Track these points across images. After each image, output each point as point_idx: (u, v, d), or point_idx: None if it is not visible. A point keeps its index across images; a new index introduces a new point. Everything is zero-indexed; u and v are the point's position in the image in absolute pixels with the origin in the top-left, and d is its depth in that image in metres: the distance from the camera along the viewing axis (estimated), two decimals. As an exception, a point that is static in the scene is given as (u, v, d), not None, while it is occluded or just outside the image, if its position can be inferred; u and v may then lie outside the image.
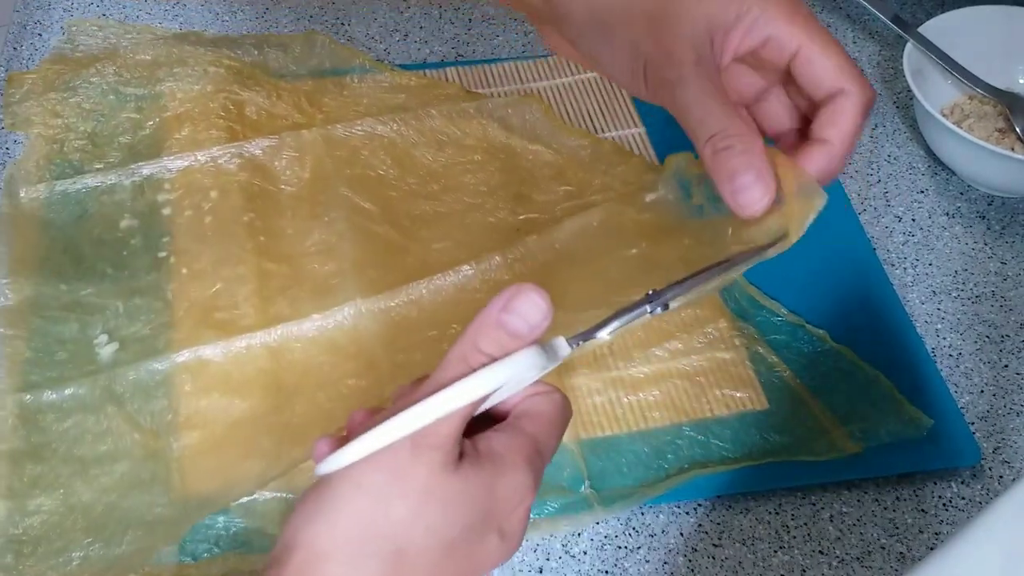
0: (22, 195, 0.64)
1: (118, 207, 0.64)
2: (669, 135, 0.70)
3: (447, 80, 0.73)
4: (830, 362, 0.60)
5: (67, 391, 0.55)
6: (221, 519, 0.52)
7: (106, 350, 0.57)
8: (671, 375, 0.59)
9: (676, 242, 0.56)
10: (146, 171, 0.65)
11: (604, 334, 0.40)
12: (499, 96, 0.72)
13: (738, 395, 0.58)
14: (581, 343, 0.40)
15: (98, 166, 0.66)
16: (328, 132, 0.67)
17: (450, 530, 0.37)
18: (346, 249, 0.61)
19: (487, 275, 0.60)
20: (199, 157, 0.66)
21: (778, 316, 0.61)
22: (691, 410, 0.57)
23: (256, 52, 0.73)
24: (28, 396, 0.55)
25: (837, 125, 0.44)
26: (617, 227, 0.61)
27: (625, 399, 0.58)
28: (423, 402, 0.36)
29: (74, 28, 0.74)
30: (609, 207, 0.62)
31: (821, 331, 0.61)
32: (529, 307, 0.38)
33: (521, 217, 0.64)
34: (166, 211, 0.64)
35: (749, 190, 0.42)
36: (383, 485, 0.36)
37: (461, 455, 0.38)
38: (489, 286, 0.60)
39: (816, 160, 0.44)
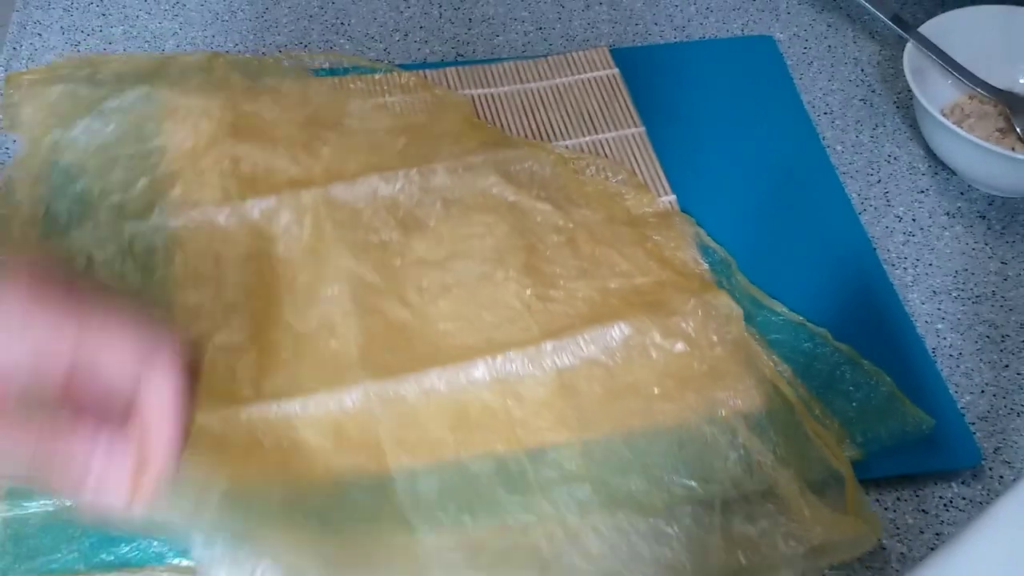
0: None
1: (111, 267, 0.60)
2: (670, 135, 0.71)
3: (447, 81, 0.73)
4: (831, 361, 0.60)
5: None
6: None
7: None
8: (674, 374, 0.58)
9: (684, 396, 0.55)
10: (138, 229, 0.62)
11: None
12: (513, 146, 0.68)
13: (740, 393, 0.58)
14: None
15: (90, 225, 0.62)
16: (328, 193, 0.63)
17: None
18: (351, 327, 0.58)
19: (503, 376, 0.57)
20: (194, 215, 0.62)
21: (779, 315, 0.61)
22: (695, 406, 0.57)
23: (248, 105, 0.68)
24: None
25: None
26: (641, 349, 0.57)
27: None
28: None
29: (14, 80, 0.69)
30: (634, 321, 0.58)
31: (822, 330, 0.61)
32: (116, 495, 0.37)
33: (529, 292, 0.60)
34: (158, 273, 0.60)
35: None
36: None
37: None
38: (503, 388, 0.56)
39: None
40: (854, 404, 0.58)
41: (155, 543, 0.51)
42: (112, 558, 0.51)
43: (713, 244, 0.64)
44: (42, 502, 0.52)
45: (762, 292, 0.62)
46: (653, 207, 0.66)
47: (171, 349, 0.39)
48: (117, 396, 0.39)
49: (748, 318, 0.61)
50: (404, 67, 0.74)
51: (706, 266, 0.63)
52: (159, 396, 0.39)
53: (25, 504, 0.52)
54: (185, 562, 0.51)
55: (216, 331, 0.58)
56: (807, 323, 0.61)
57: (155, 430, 0.39)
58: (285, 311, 0.59)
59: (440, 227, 0.63)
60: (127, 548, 0.51)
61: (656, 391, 0.56)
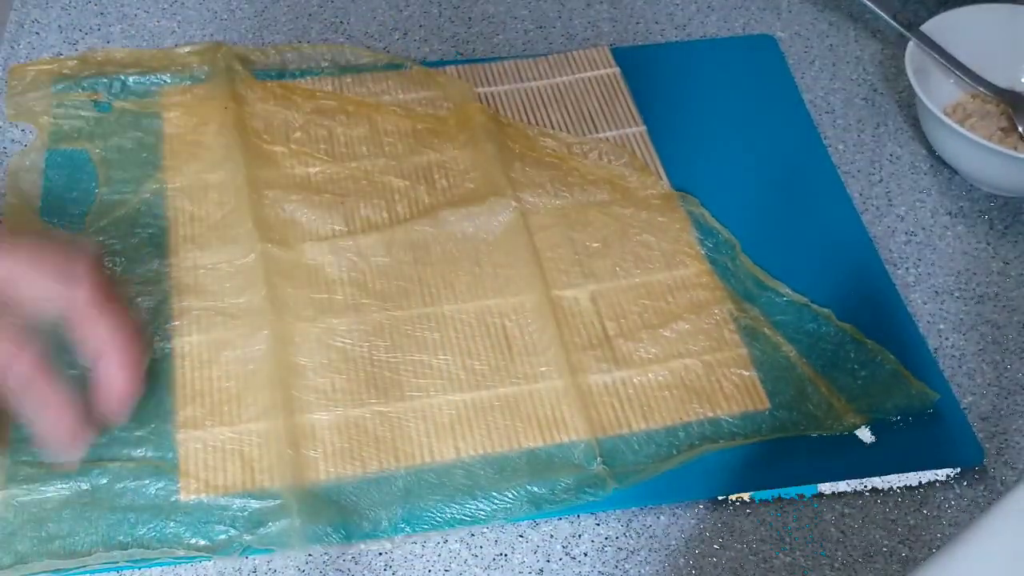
0: None
1: None
2: (670, 134, 0.71)
3: (446, 72, 0.73)
4: (835, 340, 0.60)
5: None
6: (237, 501, 0.53)
7: None
8: (679, 355, 0.59)
9: None
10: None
11: None
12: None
13: (745, 374, 0.59)
14: None
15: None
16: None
17: None
18: None
19: None
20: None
21: (782, 296, 0.62)
22: (700, 388, 0.58)
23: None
24: None
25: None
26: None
27: (635, 379, 0.58)
28: None
29: None
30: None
31: (826, 310, 0.61)
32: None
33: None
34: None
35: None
36: None
37: None
38: None
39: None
40: (859, 382, 0.58)
41: (171, 524, 0.52)
42: (129, 539, 0.51)
43: (716, 225, 0.65)
44: (59, 486, 0.53)
45: (765, 273, 0.63)
46: (656, 189, 0.67)
47: (87, 260, 0.45)
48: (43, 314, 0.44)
49: (751, 298, 0.62)
50: (404, 67, 0.73)
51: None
52: (101, 331, 0.45)
53: (43, 488, 0.53)
54: (202, 542, 0.52)
55: None
56: (811, 304, 0.61)
57: (104, 369, 0.46)
58: None
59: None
60: (144, 530, 0.52)
61: None
